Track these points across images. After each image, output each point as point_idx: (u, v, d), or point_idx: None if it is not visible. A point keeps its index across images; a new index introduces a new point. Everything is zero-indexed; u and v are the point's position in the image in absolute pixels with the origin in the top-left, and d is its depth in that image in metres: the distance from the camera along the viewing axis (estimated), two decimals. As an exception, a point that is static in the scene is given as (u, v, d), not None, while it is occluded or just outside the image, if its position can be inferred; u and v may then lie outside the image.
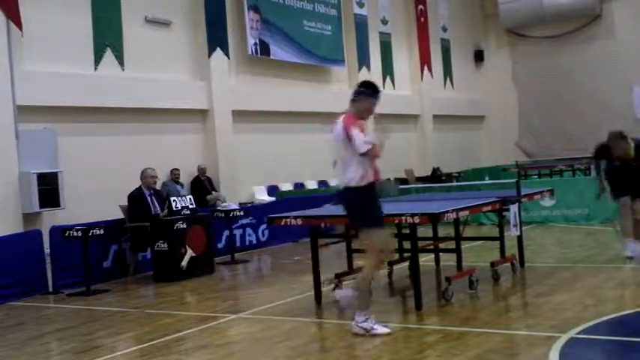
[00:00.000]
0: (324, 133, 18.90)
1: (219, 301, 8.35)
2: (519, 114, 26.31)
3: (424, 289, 6.98)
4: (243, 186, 16.26)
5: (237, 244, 12.10)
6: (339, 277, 7.85)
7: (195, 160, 15.21)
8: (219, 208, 12.62)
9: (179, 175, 14.66)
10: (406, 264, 8.36)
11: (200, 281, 9.60)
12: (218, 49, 15.53)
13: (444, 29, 24.56)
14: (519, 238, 8.70)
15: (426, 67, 22.99)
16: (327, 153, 6.68)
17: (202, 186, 14.94)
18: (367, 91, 6.31)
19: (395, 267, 8.65)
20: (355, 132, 6.03)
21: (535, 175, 19.86)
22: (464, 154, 24.34)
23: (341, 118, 6.24)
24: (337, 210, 8.43)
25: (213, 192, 14.97)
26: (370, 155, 6.03)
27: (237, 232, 12.25)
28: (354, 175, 6.09)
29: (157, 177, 10.73)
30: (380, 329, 5.97)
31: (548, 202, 12.96)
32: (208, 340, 6.28)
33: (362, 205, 6.15)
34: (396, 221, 6.87)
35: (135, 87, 13.73)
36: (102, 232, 9.42)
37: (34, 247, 9.32)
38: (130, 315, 7.67)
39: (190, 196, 10.64)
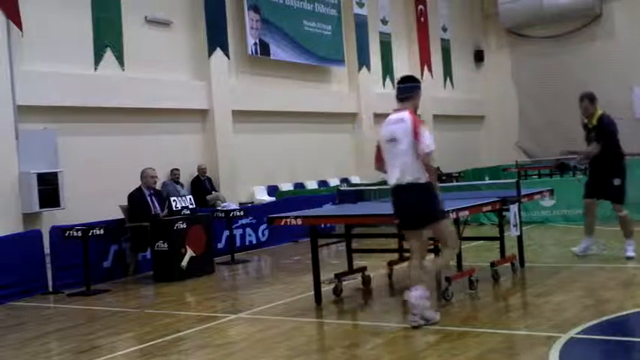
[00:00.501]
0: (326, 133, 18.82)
1: (219, 301, 8.35)
2: (519, 114, 26.29)
3: (424, 289, 6.97)
4: (243, 186, 16.26)
5: (237, 244, 12.10)
6: (339, 277, 7.85)
7: (195, 160, 15.21)
8: (219, 208, 12.62)
9: (179, 175, 14.66)
10: (406, 264, 8.36)
11: (200, 281, 9.60)
12: (218, 49, 15.53)
13: (444, 29, 24.55)
14: (519, 238, 8.70)
15: (426, 67, 22.98)
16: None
17: (202, 186, 14.95)
18: (419, 84, 6.40)
19: (395, 267, 8.65)
20: (425, 131, 6.12)
21: (535, 175, 19.85)
22: (464, 154, 24.33)
23: (404, 116, 6.19)
24: (337, 210, 8.46)
25: (213, 192, 14.97)
26: (430, 158, 6.11)
27: (237, 232, 12.25)
28: (421, 173, 6.14)
29: (156, 177, 10.73)
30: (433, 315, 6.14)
31: (548, 202, 12.95)
32: (208, 340, 6.28)
33: (430, 199, 6.22)
34: (396, 221, 6.87)
35: (135, 87, 13.72)
36: (102, 232, 9.42)
37: (34, 247, 9.32)
38: (130, 315, 7.67)
39: (190, 196, 10.64)
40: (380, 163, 6.43)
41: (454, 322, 6.24)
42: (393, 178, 6.26)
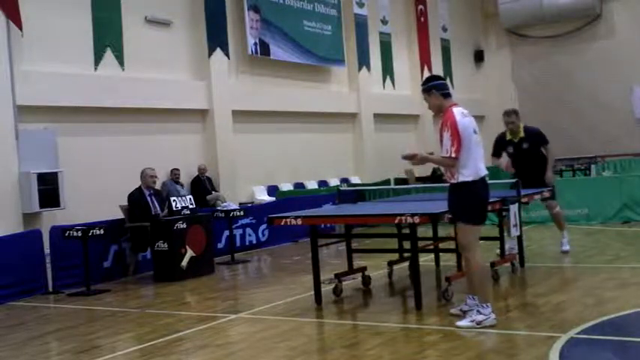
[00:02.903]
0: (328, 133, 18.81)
1: (219, 301, 8.35)
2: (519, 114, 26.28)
3: (424, 289, 6.98)
4: (243, 186, 16.27)
5: (237, 244, 12.10)
6: (339, 277, 7.85)
7: (195, 160, 15.21)
8: (219, 208, 12.61)
9: (179, 175, 14.66)
10: (406, 264, 8.37)
11: (200, 281, 9.60)
12: (218, 49, 15.54)
13: (444, 29, 24.55)
14: (519, 238, 8.71)
15: (426, 67, 22.95)
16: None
17: (202, 186, 14.95)
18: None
19: (395, 267, 8.65)
20: None
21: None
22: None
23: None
24: (337, 210, 8.45)
25: (213, 192, 14.97)
26: None
27: (237, 232, 12.25)
28: None
29: (156, 177, 10.72)
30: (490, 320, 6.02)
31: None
32: (208, 340, 6.28)
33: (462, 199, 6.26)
34: (396, 221, 6.87)
35: (135, 87, 13.73)
36: (102, 232, 9.41)
37: (34, 247, 9.31)
38: (130, 315, 7.67)
39: (190, 196, 10.63)
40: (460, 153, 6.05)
41: (454, 322, 6.24)
42: (484, 169, 6.22)
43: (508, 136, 9.52)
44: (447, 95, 6.31)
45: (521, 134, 9.42)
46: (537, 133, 9.51)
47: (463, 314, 6.28)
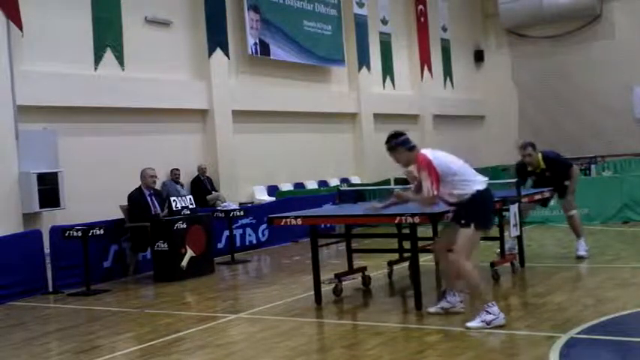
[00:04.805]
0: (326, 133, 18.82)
1: (219, 301, 8.35)
2: (519, 114, 26.29)
3: (424, 289, 6.98)
4: (243, 186, 16.26)
5: (237, 244, 12.10)
6: (339, 277, 7.85)
7: (195, 160, 15.21)
8: (219, 208, 12.61)
9: (179, 175, 14.66)
10: (406, 264, 8.38)
11: (200, 281, 9.60)
12: (218, 49, 15.53)
13: (444, 29, 24.55)
14: (519, 238, 8.71)
15: (425, 67, 22.97)
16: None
17: (202, 186, 14.94)
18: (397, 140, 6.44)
19: (395, 267, 8.65)
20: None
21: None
22: (464, 154, 24.05)
23: None
24: (337, 210, 8.45)
25: (213, 192, 14.97)
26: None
27: (237, 232, 12.25)
28: None
29: (156, 177, 10.71)
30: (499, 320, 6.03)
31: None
32: (208, 340, 6.28)
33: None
34: (396, 221, 6.87)
35: (135, 87, 13.72)
36: (102, 232, 9.42)
37: (34, 247, 9.32)
38: (130, 315, 7.67)
39: (190, 196, 10.64)
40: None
41: (454, 322, 6.24)
42: (483, 177, 6.37)
43: (529, 167, 9.31)
44: (412, 148, 6.37)
45: (542, 165, 9.20)
46: (557, 160, 9.31)
47: (444, 311, 6.49)
